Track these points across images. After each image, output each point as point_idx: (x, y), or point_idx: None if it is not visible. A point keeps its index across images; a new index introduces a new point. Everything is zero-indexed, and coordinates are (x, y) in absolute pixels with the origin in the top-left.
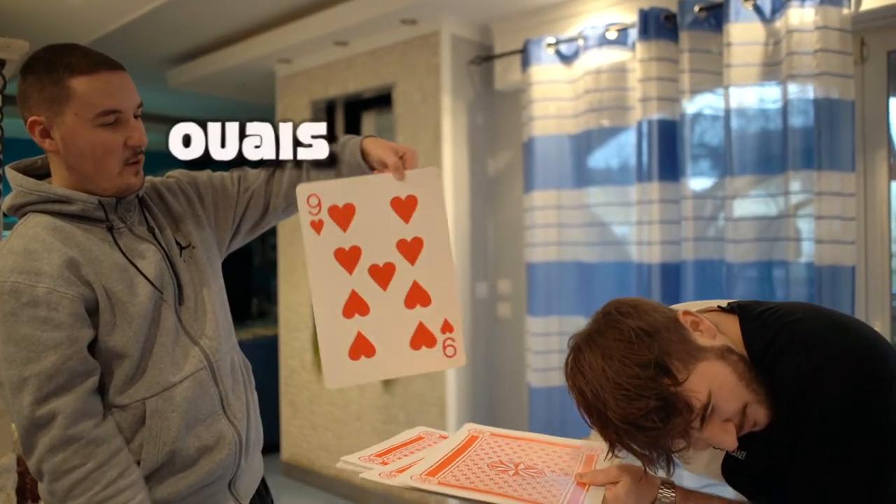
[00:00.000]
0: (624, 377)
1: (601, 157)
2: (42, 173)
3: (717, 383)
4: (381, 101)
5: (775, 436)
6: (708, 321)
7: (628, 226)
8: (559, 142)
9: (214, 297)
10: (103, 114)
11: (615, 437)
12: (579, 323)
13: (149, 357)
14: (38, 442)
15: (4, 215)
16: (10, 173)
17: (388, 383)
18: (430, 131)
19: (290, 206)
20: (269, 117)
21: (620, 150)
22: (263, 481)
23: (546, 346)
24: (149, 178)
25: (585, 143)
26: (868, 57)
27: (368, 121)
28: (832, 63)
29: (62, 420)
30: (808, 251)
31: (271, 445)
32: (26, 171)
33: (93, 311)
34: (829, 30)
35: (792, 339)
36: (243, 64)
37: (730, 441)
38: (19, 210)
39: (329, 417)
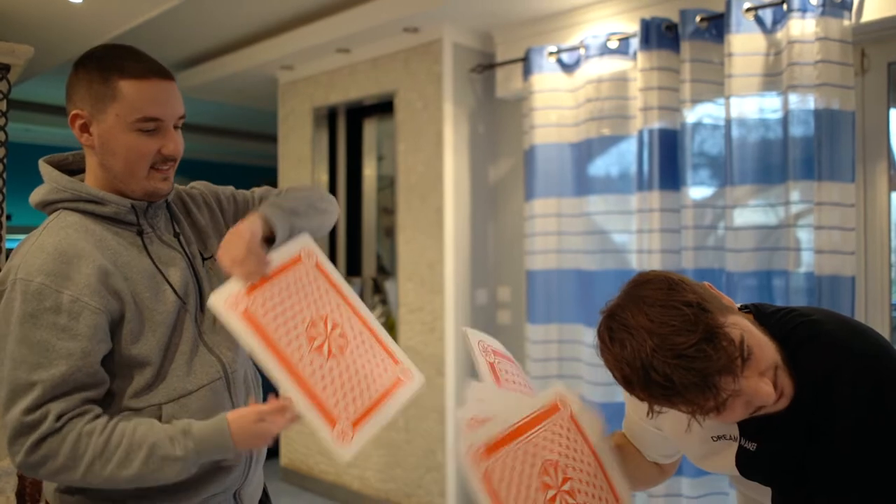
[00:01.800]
0: (669, 316)
1: (602, 166)
2: (73, 169)
3: (749, 333)
4: (383, 108)
5: (788, 429)
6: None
7: (628, 234)
8: (560, 150)
9: None
10: (143, 120)
11: (660, 391)
12: (579, 331)
13: (168, 364)
14: (24, 441)
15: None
16: (45, 168)
17: None
18: (431, 139)
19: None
20: (272, 123)
21: (621, 159)
22: (265, 488)
23: (545, 353)
24: (179, 188)
25: (586, 151)
26: (868, 68)
27: (370, 128)
28: (833, 74)
29: (51, 418)
30: (807, 261)
31: (270, 451)
32: (58, 167)
33: (116, 323)
34: (829, 41)
35: (809, 337)
36: (246, 70)
37: (768, 392)
38: (50, 206)
39: None
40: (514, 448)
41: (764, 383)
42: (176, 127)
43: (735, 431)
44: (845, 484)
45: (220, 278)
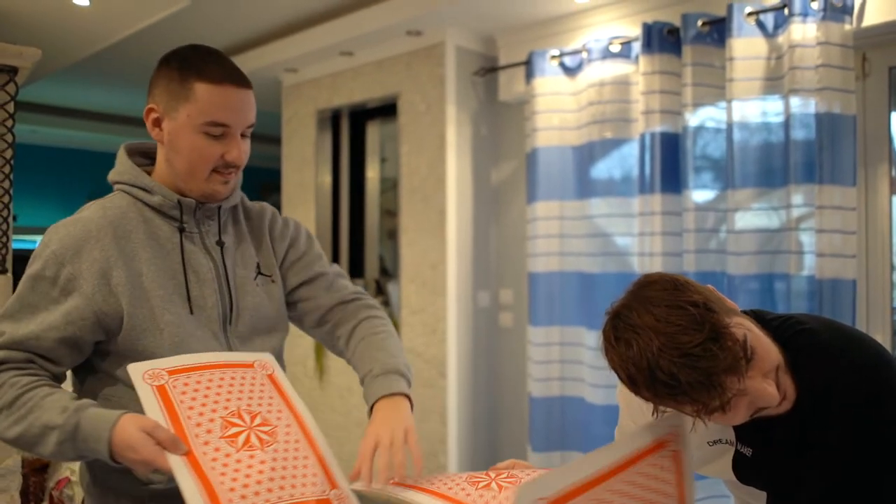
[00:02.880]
0: (675, 316)
1: (604, 169)
2: (154, 157)
3: (753, 334)
4: (386, 110)
5: (785, 436)
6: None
7: (630, 237)
8: (562, 153)
9: (275, 330)
10: (211, 124)
11: (665, 390)
12: (580, 333)
13: None
14: None
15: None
16: (119, 152)
17: None
18: (433, 141)
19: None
20: (275, 125)
21: (623, 162)
22: None
23: (547, 356)
24: (267, 204)
25: (588, 154)
26: (870, 72)
27: (373, 130)
28: (834, 78)
29: None
30: (809, 264)
31: None
32: (145, 153)
33: (110, 318)
34: (830, 45)
35: (807, 345)
36: (250, 73)
37: (772, 392)
38: (114, 185)
39: (331, 424)
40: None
41: (767, 384)
42: (244, 135)
43: (731, 436)
44: (840, 492)
45: (272, 298)
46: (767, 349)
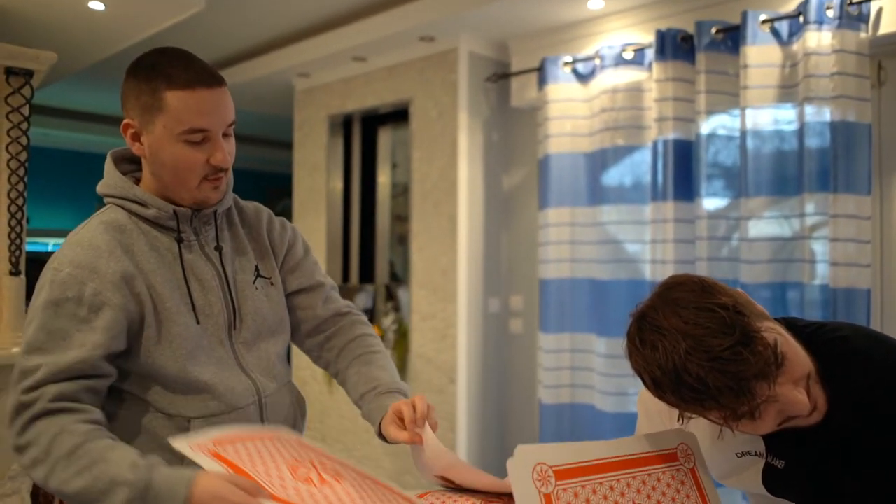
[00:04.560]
0: (703, 318)
1: (616, 176)
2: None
3: (784, 340)
4: (398, 116)
5: (822, 446)
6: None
7: (642, 244)
8: (574, 159)
9: (277, 334)
10: (190, 132)
11: (692, 395)
12: (591, 340)
13: (196, 381)
14: (19, 420)
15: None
16: (107, 163)
17: None
18: (445, 147)
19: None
20: (287, 130)
21: (635, 169)
22: None
23: (557, 362)
24: (261, 206)
25: (600, 161)
26: (885, 80)
27: (384, 135)
28: (849, 86)
29: (44, 399)
30: (822, 273)
31: None
32: (127, 157)
33: (137, 326)
34: (846, 53)
35: (841, 355)
36: (263, 77)
37: (803, 401)
38: (104, 198)
39: (339, 429)
40: (589, 482)
41: (798, 392)
42: (226, 135)
43: (761, 448)
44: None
45: (272, 302)
46: (799, 356)
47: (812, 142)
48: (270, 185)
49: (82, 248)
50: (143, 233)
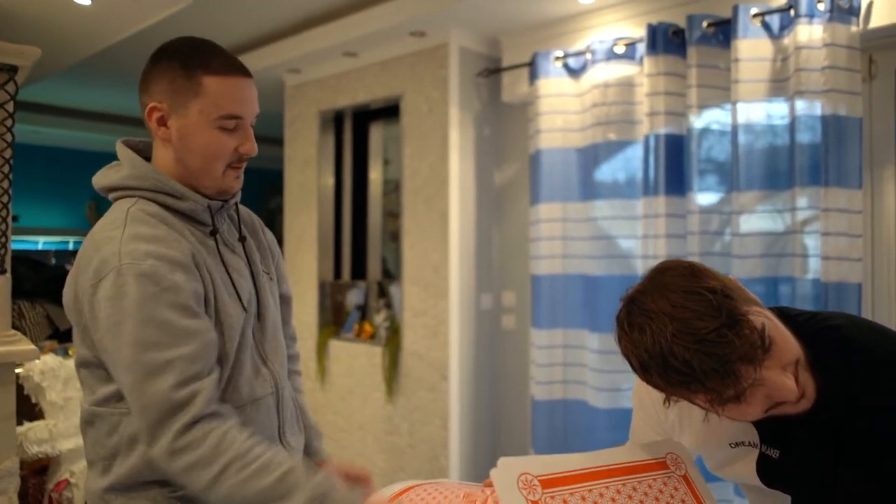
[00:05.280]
0: (690, 301)
1: (607, 171)
2: (146, 156)
3: (772, 324)
4: (389, 111)
5: (816, 435)
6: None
7: (634, 239)
8: (566, 155)
9: (281, 329)
10: (226, 117)
11: (678, 378)
12: (584, 336)
13: (237, 371)
14: (176, 421)
15: None
16: (125, 152)
17: (390, 393)
18: (436, 143)
19: None
20: (278, 126)
21: (627, 164)
22: None
23: (550, 358)
24: (248, 209)
25: (592, 156)
26: (876, 74)
27: (376, 132)
28: (840, 80)
29: (202, 399)
30: (814, 267)
31: None
32: (136, 149)
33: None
34: (837, 47)
35: (833, 342)
36: (253, 73)
37: (790, 386)
38: (125, 191)
39: (332, 427)
40: (577, 490)
41: (786, 377)
42: (252, 126)
43: (755, 438)
44: (882, 488)
45: (275, 296)
46: (787, 341)
47: (803, 136)
48: (263, 183)
49: (148, 240)
50: (182, 225)
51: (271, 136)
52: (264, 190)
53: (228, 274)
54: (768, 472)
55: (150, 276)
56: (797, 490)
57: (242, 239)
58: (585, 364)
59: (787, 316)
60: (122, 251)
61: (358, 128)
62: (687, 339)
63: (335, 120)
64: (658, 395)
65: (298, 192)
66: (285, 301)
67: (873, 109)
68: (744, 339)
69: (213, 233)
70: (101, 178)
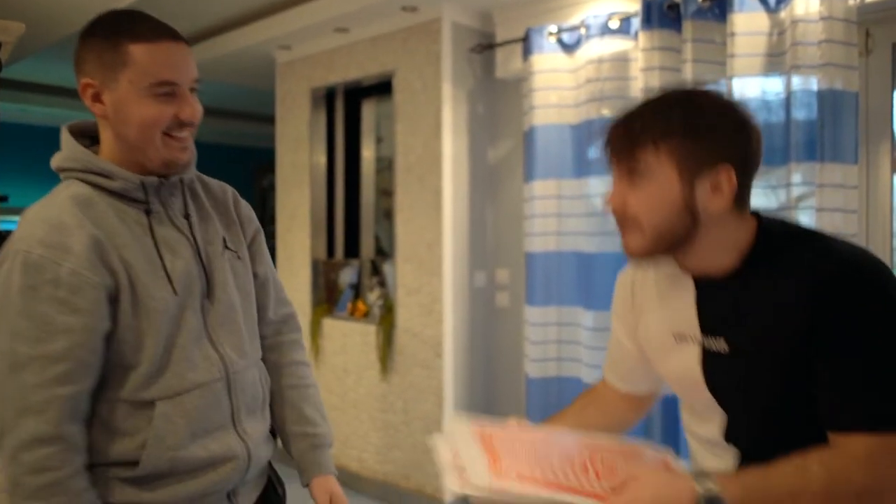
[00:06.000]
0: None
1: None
2: (96, 135)
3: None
4: (382, 88)
5: (770, 329)
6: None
7: None
8: (560, 131)
9: (245, 310)
10: (158, 84)
11: (601, 139)
12: (578, 314)
13: (167, 357)
14: (25, 426)
15: None
16: (63, 134)
17: (385, 371)
18: (429, 119)
19: None
20: (269, 104)
21: None
22: (276, 477)
23: (544, 336)
24: (226, 184)
25: (586, 132)
26: (873, 48)
27: (368, 109)
28: (836, 54)
29: (54, 415)
30: None
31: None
32: (85, 133)
33: (113, 301)
34: (834, 20)
35: (807, 240)
36: (243, 50)
37: (617, 190)
38: (63, 173)
39: (326, 405)
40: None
41: (624, 186)
42: (192, 90)
43: (696, 331)
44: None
45: (239, 275)
46: (671, 181)
47: (799, 111)
48: (255, 161)
49: (50, 225)
50: (110, 206)
51: (262, 115)
52: (256, 169)
53: (159, 254)
54: (712, 373)
55: (34, 266)
56: (735, 389)
57: (187, 217)
58: (579, 341)
59: (768, 217)
60: (21, 236)
61: (350, 105)
62: (626, 111)
63: (327, 97)
64: (624, 292)
65: (290, 171)
66: (261, 283)
67: (869, 84)
68: (647, 120)
69: (148, 212)
70: (52, 161)
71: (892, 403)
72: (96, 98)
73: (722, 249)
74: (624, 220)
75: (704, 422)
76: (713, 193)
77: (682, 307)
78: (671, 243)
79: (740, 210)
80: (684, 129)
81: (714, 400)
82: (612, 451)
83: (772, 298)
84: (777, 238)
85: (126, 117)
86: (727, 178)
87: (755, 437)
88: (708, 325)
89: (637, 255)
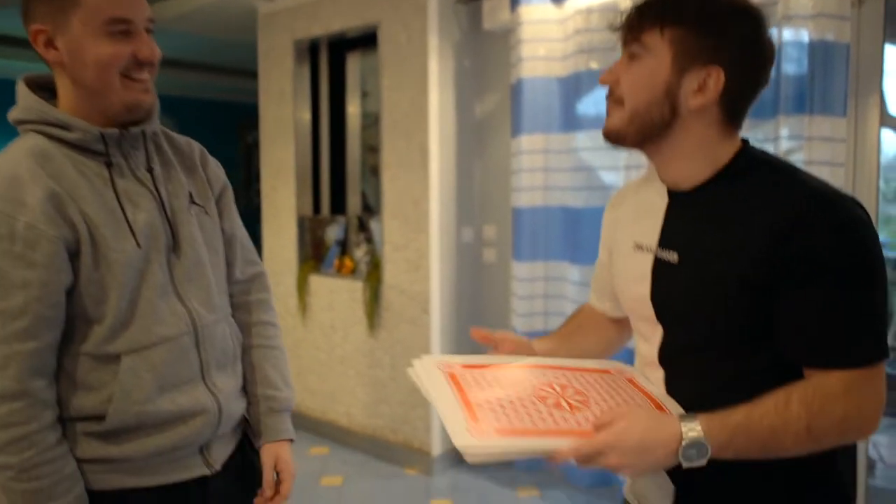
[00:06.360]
0: None
1: (590, 101)
2: (55, 89)
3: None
4: (367, 41)
5: (723, 244)
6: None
7: (616, 171)
8: (548, 84)
9: (213, 265)
10: (111, 22)
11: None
12: (565, 268)
13: (133, 310)
14: None
15: None
16: (20, 86)
17: (372, 328)
18: (416, 73)
19: None
20: (252, 57)
21: None
22: (248, 441)
23: (531, 291)
24: (193, 140)
25: (574, 86)
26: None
27: (353, 63)
28: (829, 4)
29: (16, 371)
30: None
31: None
32: (45, 86)
33: (74, 254)
34: None
35: (786, 171)
36: (223, 0)
37: (612, 68)
38: (20, 125)
39: (314, 361)
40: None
41: (625, 65)
42: (148, 31)
43: (654, 241)
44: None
45: (206, 229)
46: (660, 68)
47: (789, 63)
48: (239, 117)
49: (4, 179)
50: (68, 158)
51: (245, 69)
52: (240, 124)
53: (121, 206)
54: (661, 290)
55: None
56: (678, 303)
57: (150, 170)
58: (566, 296)
59: (754, 150)
60: None
61: (335, 58)
62: None
63: (311, 50)
64: (609, 208)
65: (274, 126)
66: (227, 241)
67: (861, 36)
68: (662, 11)
69: (108, 164)
70: (8, 114)
71: (867, 337)
72: (49, 44)
73: (698, 158)
74: (611, 98)
75: (645, 341)
76: (697, 90)
77: (651, 220)
78: (645, 130)
79: (727, 126)
80: (694, 20)
81: (655, 315)
82: (581, 376)
83: (733, 215)
84: (756, 162)
85: (82, 60)
86: (715, 80)
87: (688, 359)
88: (666, 236)
89: (612, 133)
